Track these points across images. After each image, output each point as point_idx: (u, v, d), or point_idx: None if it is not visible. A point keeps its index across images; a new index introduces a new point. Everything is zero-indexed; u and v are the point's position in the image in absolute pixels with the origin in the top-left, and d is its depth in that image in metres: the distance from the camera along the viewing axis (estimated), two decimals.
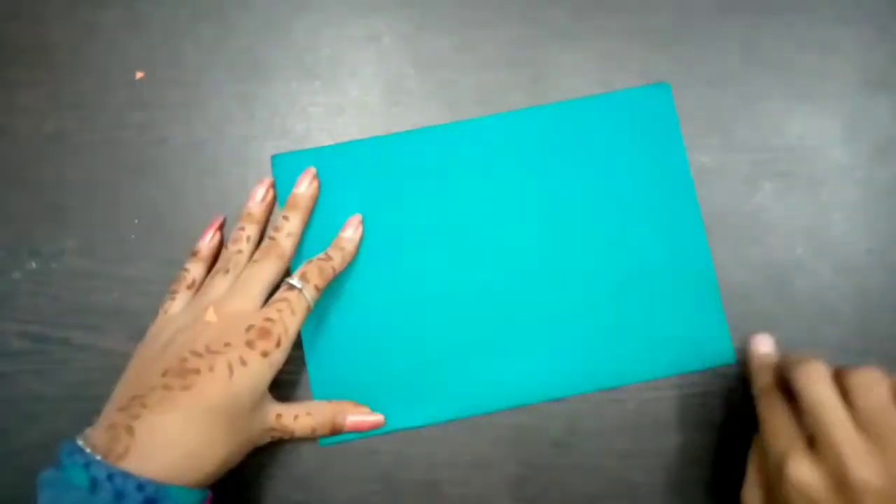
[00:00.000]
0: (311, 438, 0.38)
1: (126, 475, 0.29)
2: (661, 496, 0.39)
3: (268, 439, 0.36)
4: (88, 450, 0.30)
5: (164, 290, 0.40)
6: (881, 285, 0.40)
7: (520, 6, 0.43)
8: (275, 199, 0.40)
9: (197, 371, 0.32)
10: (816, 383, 0.31)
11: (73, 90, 0.43)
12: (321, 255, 0.38)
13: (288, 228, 0.38)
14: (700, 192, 0.41)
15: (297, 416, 0.37)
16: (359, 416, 0.38)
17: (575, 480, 0.39)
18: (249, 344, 0.33)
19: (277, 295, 0.36)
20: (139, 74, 0.43)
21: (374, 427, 0.38)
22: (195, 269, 0.39)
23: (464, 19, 0.43)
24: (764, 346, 0.38)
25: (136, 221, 0.41)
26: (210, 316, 0.35)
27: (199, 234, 0.40)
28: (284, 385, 0.39)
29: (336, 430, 0.38)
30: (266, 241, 0.38)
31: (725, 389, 0.40)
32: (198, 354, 0.33)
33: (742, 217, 0.41)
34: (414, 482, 0.39)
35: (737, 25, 0.43)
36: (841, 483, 0.29)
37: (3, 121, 0.42)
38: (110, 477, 0.29)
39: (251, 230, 0.39)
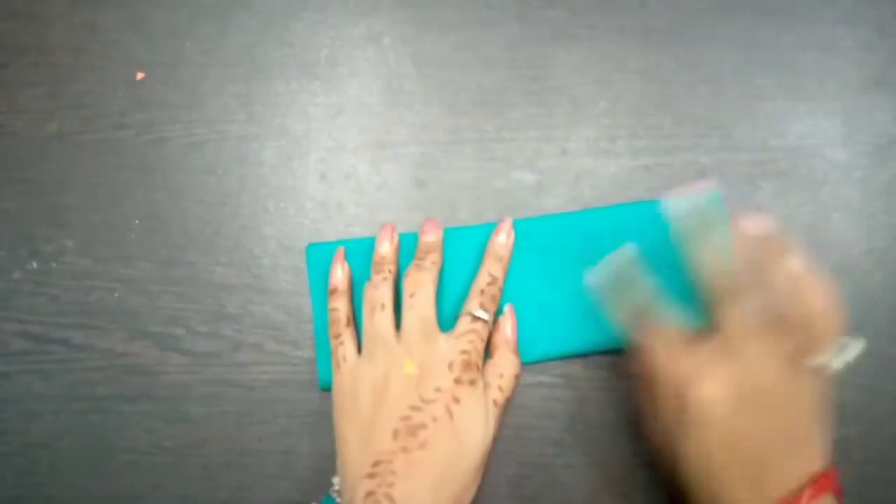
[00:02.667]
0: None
1: None
2: (661, 496, 0.39)
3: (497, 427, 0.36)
4: None
5: (164, 289, 0.41)
6: (881, 285, 0.40)
7: (519, 6, 0.43)
8: (400, 242, 0.40)
9: (424, 426, 0.33)
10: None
11: (73, 90, 0.43)
12: (486, 278, 0.38)
13: (432, 258, 0.38)
14: None
15: (502, 377, 0.36)
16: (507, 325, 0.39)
17: (574, 480, 0.39)
18: (457, 381, 0.34)
19: (464, 326, 0.36)
20: (139, 75, 0.43)
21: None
22: (343, 306, 0.38)
23: (464, 19, 0.43)
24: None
25: (137, 222, 0.41)
26: (410, 369, 0.35)
27: (199, 234, 0.41)
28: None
29: (510, 339, 0.38)
30: (412, 275, 0.37)
31: None
32: (416, 408, 0.34)
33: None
34: None
35: (736, 25, 0.43)
36: (746, 389, 0.31)
37: (4, 121, 0.42)
38: None
39: (394, 270, 0.39)
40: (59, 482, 0.40)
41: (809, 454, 0.31)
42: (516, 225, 0.40)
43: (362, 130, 0.42)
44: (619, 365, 0.40)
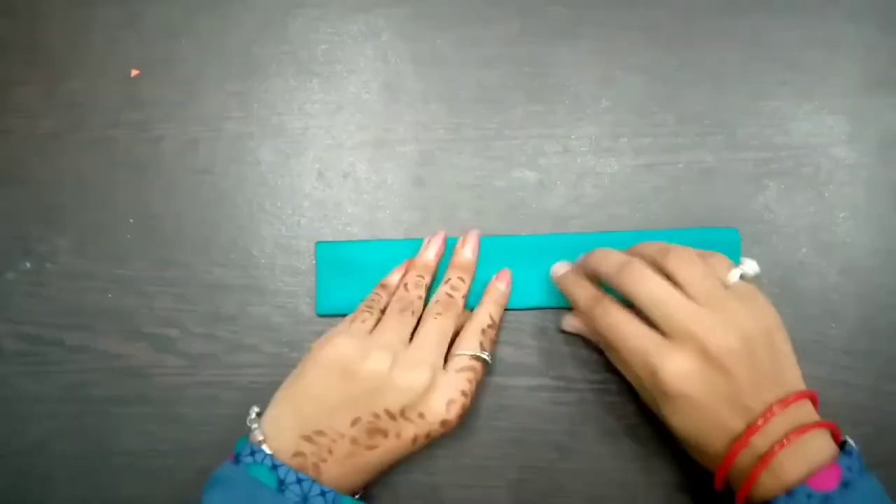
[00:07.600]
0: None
1: (312, 481, 0.32)
2: (663, 499, 0.39)
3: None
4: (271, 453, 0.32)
5: (160, 290, 0.40)
6: (886, 285, 0.40)
7: (520, 2, 0.42)
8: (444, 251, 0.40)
9: (384, 435, 0.34)
10: (647, 282, 0.33)
11: (68, 88, 0.42)
12: (487, 320, 0.38)
13: (463, 290, 0.38)
14: (703, 191, 0.40)
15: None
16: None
17: (576, 484, 0.39)
18: (442, 423, 0.34)
19: (465, 362, 0.36)
20: (135, 72, 0.42)
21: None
22: (386, 297, 0.39)
23: (463, 16, 0.42)
24: (562, 267, 0.39)
25: (131, 221, 0.41)
26: (419, 379, 0.34)
27: (195, 234, 0.40)
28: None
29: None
30: (444, 298, 0.38)
31: None
32: (391, 416, 0.34)
33: (746, 216, 0.40)
34: (414, 485, 0.39)
35: (741, 23, 0.42)
36: (707, 358, 0.31)
37: None
38: (299, 480, 0.32)
39: (429, 280, 0.39)
40: (53, 485, 0.39)
41: (788, 380, 0.32)
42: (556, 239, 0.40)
43: (361, 128, 0.42)
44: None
